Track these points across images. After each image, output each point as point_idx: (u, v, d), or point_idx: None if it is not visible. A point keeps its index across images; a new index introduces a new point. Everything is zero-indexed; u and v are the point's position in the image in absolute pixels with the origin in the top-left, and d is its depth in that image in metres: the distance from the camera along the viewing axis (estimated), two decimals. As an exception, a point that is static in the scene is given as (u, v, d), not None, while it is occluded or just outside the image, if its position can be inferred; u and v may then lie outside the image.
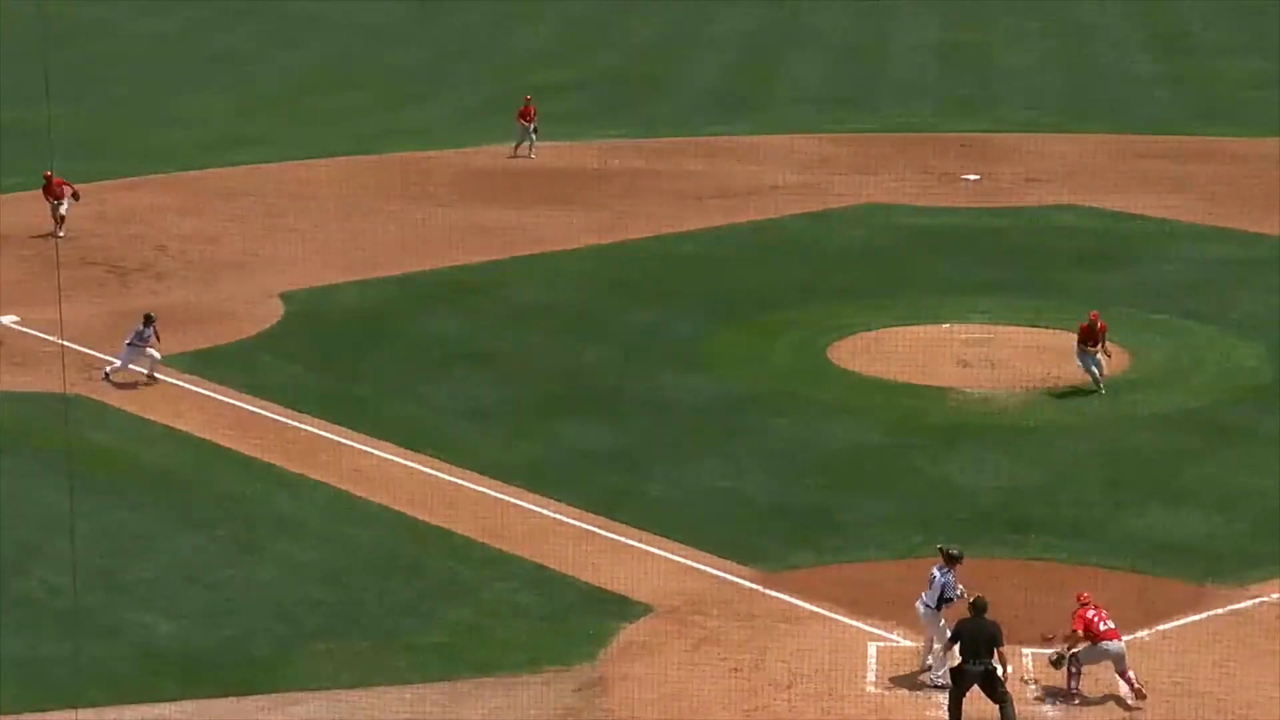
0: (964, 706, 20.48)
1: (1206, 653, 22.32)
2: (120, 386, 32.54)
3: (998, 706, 20.34)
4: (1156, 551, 25.19)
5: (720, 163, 53.20)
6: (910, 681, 21.58)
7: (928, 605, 21.43)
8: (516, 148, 53.58)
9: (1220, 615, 23.32)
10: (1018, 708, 20.73)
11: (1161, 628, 22.95)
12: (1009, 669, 20.61)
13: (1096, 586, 23.85)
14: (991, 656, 20.36)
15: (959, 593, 21.39)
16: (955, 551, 21.67)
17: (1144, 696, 21.05)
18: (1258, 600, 23.69)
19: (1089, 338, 31.91)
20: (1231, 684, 21.58)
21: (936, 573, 21.51)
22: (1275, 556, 24.83)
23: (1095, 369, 31.96)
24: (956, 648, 20.65)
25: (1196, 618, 23.23)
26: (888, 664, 22.02)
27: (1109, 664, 21.41)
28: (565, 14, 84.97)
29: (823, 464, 28.94)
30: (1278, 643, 22.50)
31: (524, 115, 53.60)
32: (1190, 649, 22.45)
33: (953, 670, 20.60)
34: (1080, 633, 21.30)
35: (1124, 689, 21.25)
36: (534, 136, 53.44)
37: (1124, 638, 22.09)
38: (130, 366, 32.78)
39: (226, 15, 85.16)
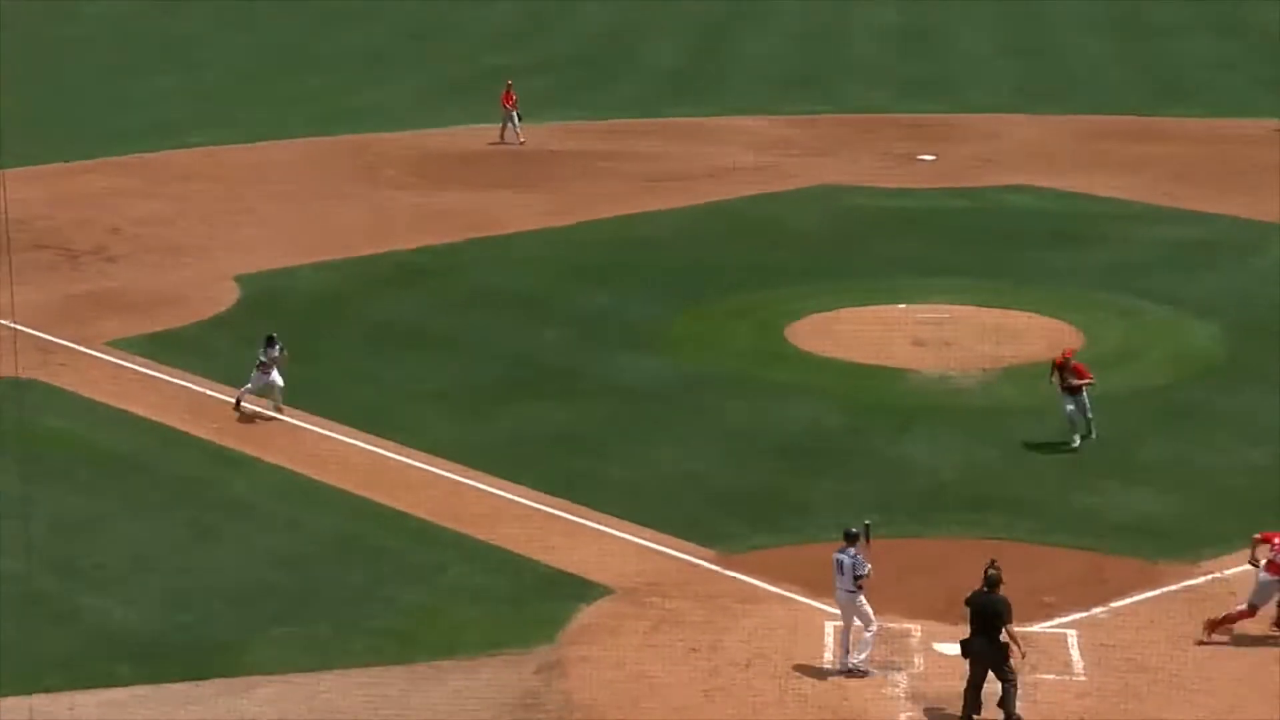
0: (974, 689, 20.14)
1: (1161, 629, 22.53)
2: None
3: (1000, 685, 20.18)
4: (1112, 530, 25.40)
5: (677, 144, 53.25)
6: (868, 660, 21.68)
7: (847, 590, 21.28)
8: (503, 133, 53.34)
9: (1174, 591, 23.53)
10: (958, 684, 20.88)
11: (1116, 604, 23.13)
12: (1021, 647, 20.32)
13: (1052, 565, 24.09)
14: (998, 632, 20.20)
15: (868, 569, 21.32)
16: (855, 530, 21.53)
17: None
18: (1210, 577, 23.92)
19: (1067, 376, 28.64)
20: (1185, 659, 21.79)
21: (844, 556, 21.32)
22: (1228, 534, 25.06)
23: (1077, 415, 28.42)
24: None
25: (1151, 594, 23.44)
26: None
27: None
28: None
29: (781, 445, 29.04)
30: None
31: (506, 100, 53.42)
32: (1145, 625, 22.65)
33: (961, 643, 20.50)
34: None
35: None
36: (517, 121, 53.24)
37: (1078, 614, 22.31)
38: (256, 393, 30.10)
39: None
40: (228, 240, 42.46)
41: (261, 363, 30.10)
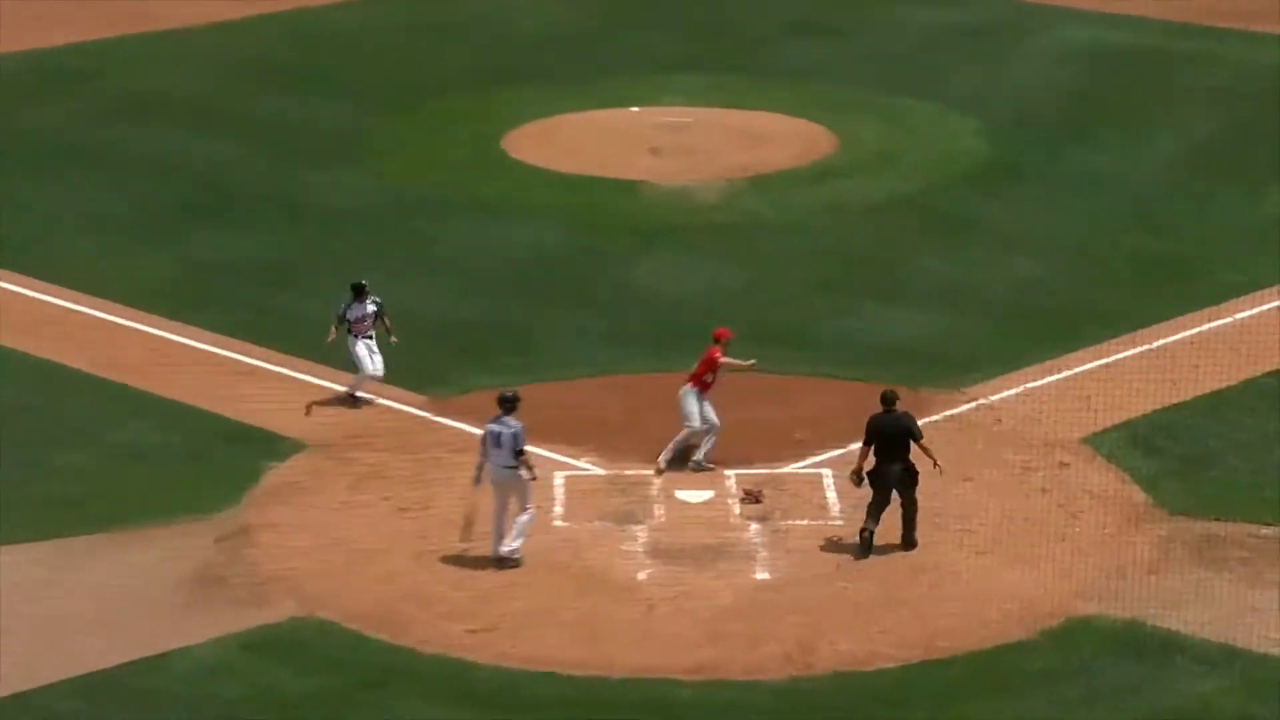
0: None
1: (923, 462, 23.17)
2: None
3: (903, 508, 20.87)
4: (871, 356, 26.01)
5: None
6: (600, 512, 21.93)
7: (508, 466, 20.49)
8: None
9: (938, 421, 24.24)
10: (725, 535, 21.32)
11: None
12: (936, 459, 20.87)
13: (805, 397, 24.59)
14: (909, 452, 20.75)
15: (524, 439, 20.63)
16: (511, 394, 20.86)
17: None
18: (976, 403, 24.74)
19: (710, 370, 23.11)
20: (949, 495, 22.51)
21: (501, 427, 20.47)
22: (993, 355, 25.94)
23: (699, 422, 22.86)
24: (871, 448, 20.86)
25: (914, 425, 24.12)
26: (576, 494, 22.31)
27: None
28: None
29: (502, 272, 29.07)
30: (992, 446, 23.56)
31: None
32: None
33: (870, 473, 20.87)
34: None
35: None
36: None
37: (834, 452, 22.84)
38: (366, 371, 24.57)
39: None
40: None
41: (353, 321, 24.69)
